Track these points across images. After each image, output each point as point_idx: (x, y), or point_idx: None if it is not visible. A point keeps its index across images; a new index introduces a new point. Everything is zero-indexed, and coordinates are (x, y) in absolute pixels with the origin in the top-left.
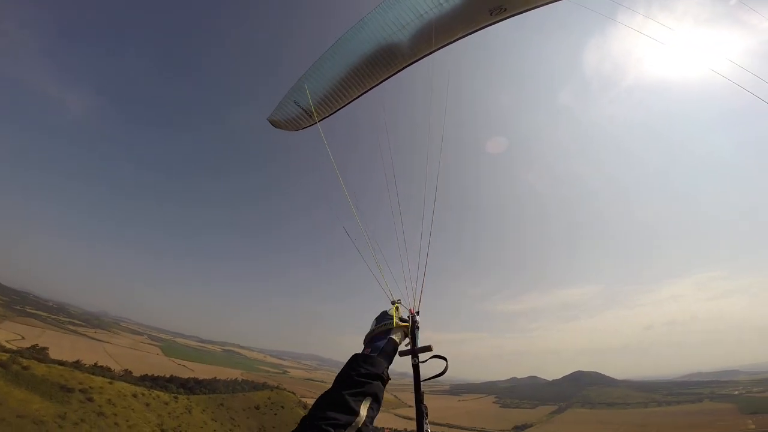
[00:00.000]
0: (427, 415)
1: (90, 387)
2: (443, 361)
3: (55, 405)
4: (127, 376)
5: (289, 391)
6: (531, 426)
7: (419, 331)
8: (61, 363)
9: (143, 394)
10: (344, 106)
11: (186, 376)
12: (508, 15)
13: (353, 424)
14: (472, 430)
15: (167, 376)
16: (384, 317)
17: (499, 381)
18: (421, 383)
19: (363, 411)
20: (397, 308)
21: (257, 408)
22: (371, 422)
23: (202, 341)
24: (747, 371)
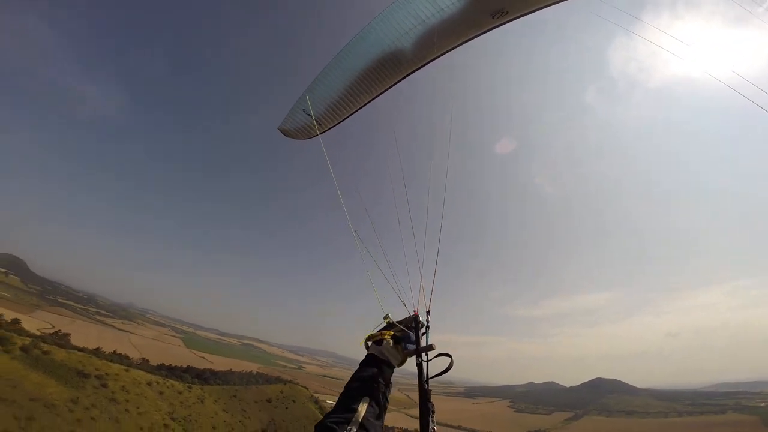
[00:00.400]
0: (433, 413)
1: (106, 373)
2: (448, 359)
3: (69, 389)
4: (144, 365)
5: (302, 386)
6: None
7: (429, 332)
8: (80, 349)
9: (158, 383)
10: (354, 113)
11: (203, 367)
12: (510, 18)
13: (353, 419)
14: None
15: (184, 366)
16: (390, 327)
17: (515, 385)
18: (428, 381)
19: (361, 408)
20: (388, 323)
21: (269, 401)
22: (376, 418)
23: (222, 334)
24: None
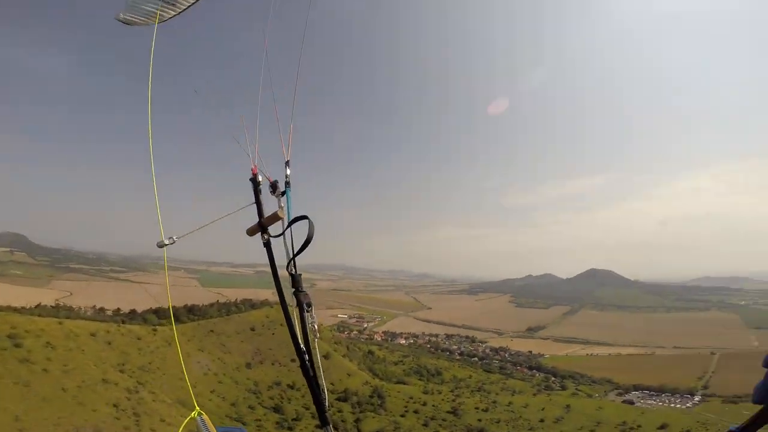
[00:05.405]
0: (309, 306)
1: (26, 331)
2: (307, 222)
3: None
4: (97, 315)
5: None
6: (544, 328)
7: (289, 194)
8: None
9: (108, 332)
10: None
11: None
12: None
13: None
14: (487, 331)
15: (154, 308)
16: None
17: (515, 279)
18: (294, 265)
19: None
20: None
21: (252, 329)
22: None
23: (235, 266)
24: (756, 279)
